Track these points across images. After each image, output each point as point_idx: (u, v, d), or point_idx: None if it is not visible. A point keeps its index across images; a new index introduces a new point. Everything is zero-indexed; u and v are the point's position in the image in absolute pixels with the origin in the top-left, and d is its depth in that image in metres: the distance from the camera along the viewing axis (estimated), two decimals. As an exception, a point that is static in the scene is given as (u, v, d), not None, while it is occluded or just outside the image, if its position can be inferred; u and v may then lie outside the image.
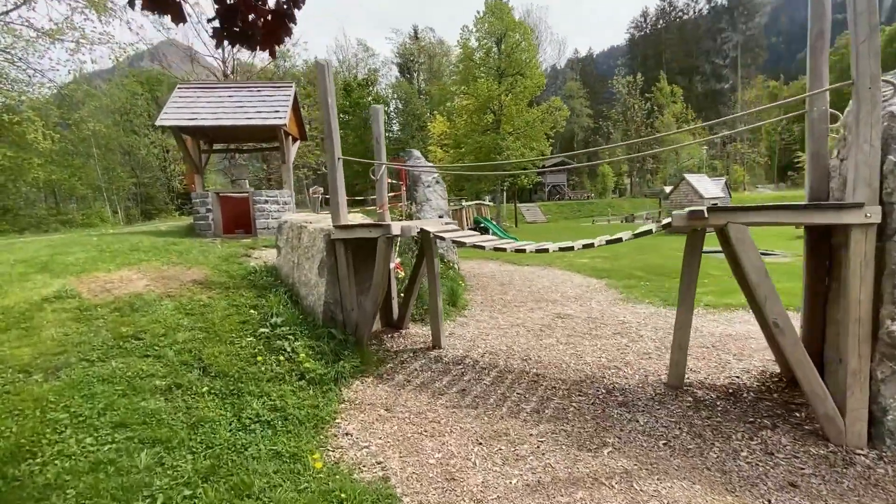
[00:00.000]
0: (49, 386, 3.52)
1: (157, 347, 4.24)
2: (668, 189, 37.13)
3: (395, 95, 52.16)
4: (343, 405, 4.31)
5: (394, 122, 54.69)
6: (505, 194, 28.36)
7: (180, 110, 8.57)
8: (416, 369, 5.19)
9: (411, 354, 5.67)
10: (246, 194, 8.89)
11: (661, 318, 7.10)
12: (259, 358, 4.47)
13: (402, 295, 6.95)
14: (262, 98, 9.01)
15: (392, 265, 6.85)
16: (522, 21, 24.08)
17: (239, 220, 9.05)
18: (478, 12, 23.89)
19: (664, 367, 4.99)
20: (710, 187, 22.39)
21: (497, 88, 23.24)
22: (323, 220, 6.19)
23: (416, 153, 11.65)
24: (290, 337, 4.94)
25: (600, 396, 4.33)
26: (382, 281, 5.49)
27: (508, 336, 6.41)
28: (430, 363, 5.36)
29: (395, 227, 5.09)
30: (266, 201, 8.95)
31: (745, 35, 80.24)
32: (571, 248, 4.75)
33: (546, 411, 4.08)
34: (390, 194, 16.48)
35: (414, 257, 7.06)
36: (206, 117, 8.52)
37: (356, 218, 6.94)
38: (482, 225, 18.47)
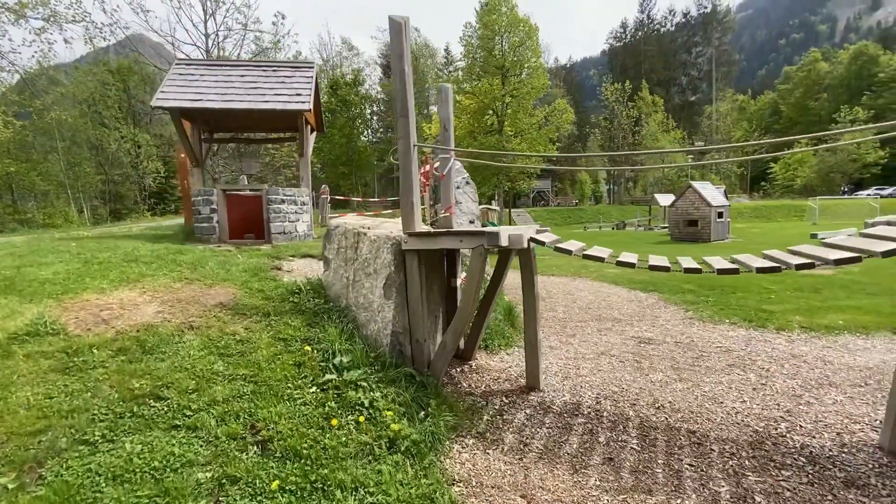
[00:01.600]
0: (27, 499, 2.11)
1: (188, 412, 2.87)
2: (660, 197, 37.08)
3: (381, 95, 50.72)
4: (458, 488, 3.03)
5: (377, 122, 53.23)
6: (501, 199, 27.44)
7: (181, 90, 7.09)
8: (524, 424, 3.95)
9: (504, 400, 4.42)
10: (259, 192, 7.45)
11: (765, 343, 6.08)
12: (333, 421, 3.15)
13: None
14: (280, 79, 7.60)
15: (458, 280, 5.61)
16: (527, 18, 23.26)
17: (249, 222, 7.59)
18: (482, 6, 22.83)
19: (843, 417, 3.93)
20: (716, 195, 22.02)
21: (501, 88, 22.22)
22: (383, 226, 4.89)
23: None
24: (364, 384, 3.63)
25: (807, 469, 3.20)
26: (472, 306, 4.24)
27: (604, 370, 5.24)
28: (539, 414, 4.13)
29: (503, 236, 3.85)
30: (283, 201, 7.53)
31: (719, 49, 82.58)
32: (736, 272, 3.67)
33: (755, 497, 2.92)
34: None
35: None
36: (214, 99, 7.06)
37: (349, 220, 5.68)
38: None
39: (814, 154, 59.93)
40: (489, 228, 3.96)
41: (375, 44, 58.31)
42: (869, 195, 52.24)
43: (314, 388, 3.42)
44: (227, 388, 3.14)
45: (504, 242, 3.88)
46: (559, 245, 4.11)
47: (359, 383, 3.59)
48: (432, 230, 4.24)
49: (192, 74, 7.38)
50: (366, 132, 45.43)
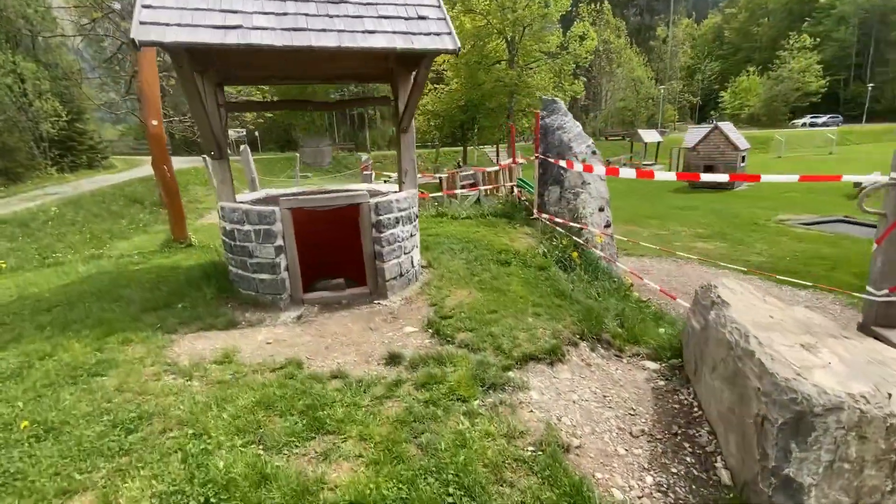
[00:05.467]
0: None
1: None
2: (644, 133, 35.30)
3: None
4: None
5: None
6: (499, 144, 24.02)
7: (190, 11, 3.33)
8: None
9: None
10: (355, 202, 4.06)
11: None
12: None
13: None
14: (375, -12, 3.95)
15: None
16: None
17: (333, 256, 4.30)
18: None
19: None
20: (741, 138, 20.31)
21: (515, 6, 17.61)
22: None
23: (562, 105, 7.18)
24: None
25: None
26: None
27: None
28: None
29: None
30: (398, 221, 4.24)
31: (677, -34, 78.82)
32: None
33: None
34: (482, 168, 11.55)
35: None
36: (265, 26, 3.40)
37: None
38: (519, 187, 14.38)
39: (760, 83, 60.76)
40: None
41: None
42: (804, 123, 54.38)
43: None
44: None
45: None
46: None
47: None
48: None
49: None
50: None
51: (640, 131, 35.77)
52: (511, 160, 8.63)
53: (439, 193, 8.90)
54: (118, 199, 17.63)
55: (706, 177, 4.71)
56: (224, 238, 4.22)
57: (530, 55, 18.92)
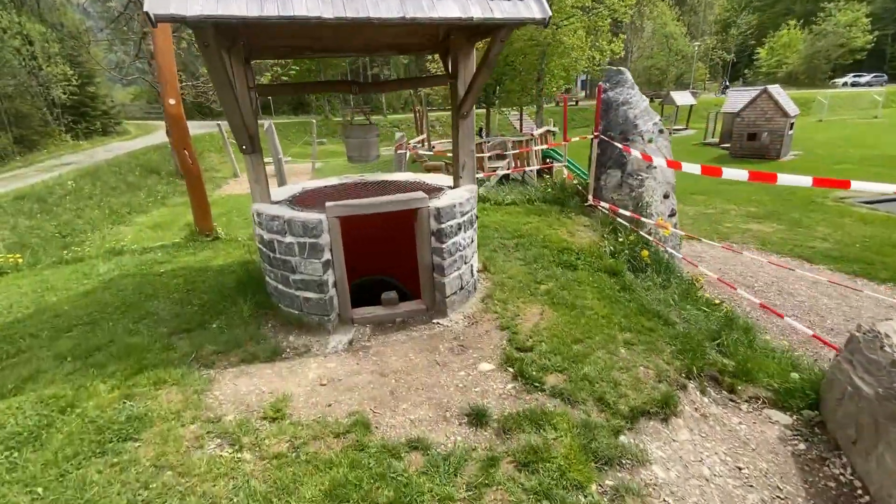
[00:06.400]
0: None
1: None
2: (676, 95, 33.10)
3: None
4: None
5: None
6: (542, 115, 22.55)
7: (219, -35, 2.60)
8: None
9: None
10: (418, 205, 3.44)
11: None
12: None
13: None
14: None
15: None
16: None
17: (380, 267, 3.72)
18: None
19: None
20: (790, 103, 18.72)
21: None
22: None
23: (628, 76, 6.30)
24: None
25: None
26: None
27: None
28: None
29: None
30: (460, 227, 3.63)
31: None
32: None
33: None
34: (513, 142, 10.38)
35: None
36: (312, -6, 2.68)
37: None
38: (550, 160, 13.47)
39: (802, 38, 56.45)
40: None
41: None
42: (846, 83, 50.63)
43: None
44: None
45: None
46: None
47: None
48: None
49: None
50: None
51: (672, 93, 33.66)
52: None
53: (479, 175, 8.15)
54: (134, 168, 17.17)
55: (687, 167, 4.26)
56: (261, 247, 3.66)
57: (563, 11, 17.26)
